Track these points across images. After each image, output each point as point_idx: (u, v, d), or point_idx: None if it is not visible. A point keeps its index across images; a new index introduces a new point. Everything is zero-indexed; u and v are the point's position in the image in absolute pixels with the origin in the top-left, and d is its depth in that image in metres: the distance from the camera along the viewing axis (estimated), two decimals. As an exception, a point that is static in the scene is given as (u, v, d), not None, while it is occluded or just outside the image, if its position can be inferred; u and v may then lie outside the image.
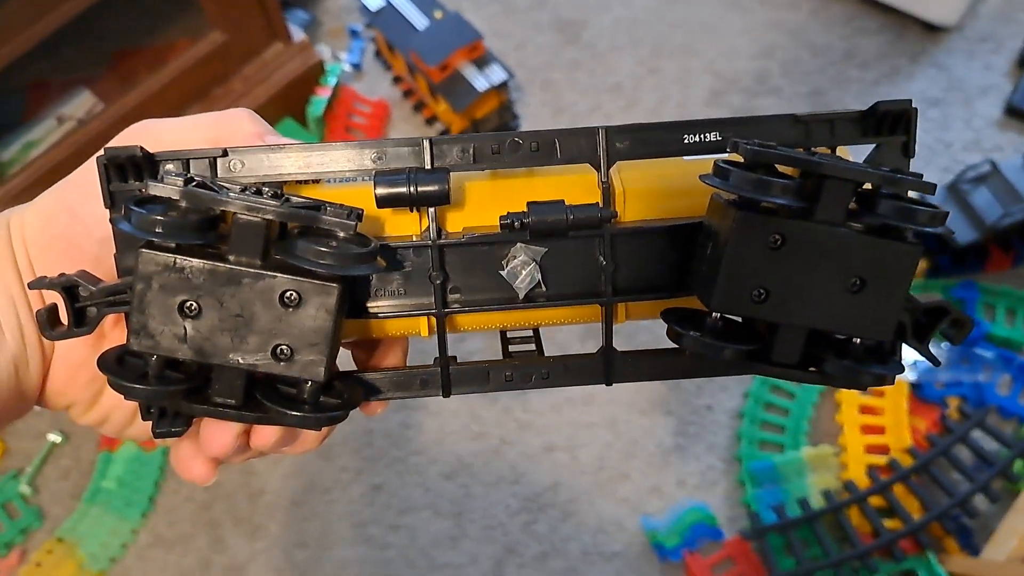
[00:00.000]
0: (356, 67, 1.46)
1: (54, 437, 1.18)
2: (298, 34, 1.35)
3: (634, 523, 1.11)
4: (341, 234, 0.32)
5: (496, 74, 1.26)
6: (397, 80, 1.43)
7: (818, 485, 1.09)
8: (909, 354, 1.17)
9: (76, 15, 1.13)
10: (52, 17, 1.11)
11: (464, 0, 1.55)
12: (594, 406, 1.18)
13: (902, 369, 0.36)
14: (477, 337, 1.18)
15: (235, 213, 0.31)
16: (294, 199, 0.33)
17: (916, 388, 1.13)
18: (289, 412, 0.33)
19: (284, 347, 0.33)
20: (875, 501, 1.06)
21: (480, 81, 1.25)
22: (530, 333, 0.41)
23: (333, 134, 1.36)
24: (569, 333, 1.20)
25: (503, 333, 0.42)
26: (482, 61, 1.27)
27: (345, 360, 0.41)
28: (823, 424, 1.15)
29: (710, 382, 1.19)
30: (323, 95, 1.35)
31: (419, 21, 1.30)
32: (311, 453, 1.16)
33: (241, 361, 0.33)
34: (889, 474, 1.07)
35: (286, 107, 1.34)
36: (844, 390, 1.13)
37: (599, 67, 1.47)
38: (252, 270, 0.32)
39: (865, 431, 1.11)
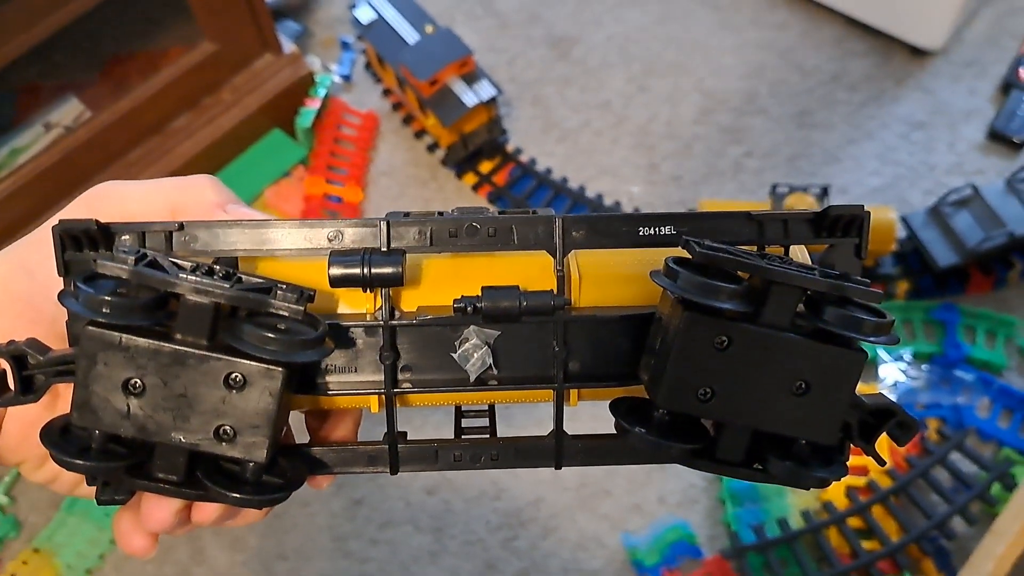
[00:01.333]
0: (346, 79, 1.46)
1: (35, 444, 1.18)
2: (288, 45, 1.36)
3: (614, 540, 1.11)
4: (290, 317, 0.33)
5: (485, 90, 1.27)
6: (387, 93, 1.44)
7: (798, 505, 1.09)
8: (890, 374, 1.19)
9: (70, 21, 1.13)
10: (47, 23, 1.12)
11: (458, 14, 1.56)
12: (578, 422, 1.18)
13: (845, 471, 0.36)
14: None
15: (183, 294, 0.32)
16: (246, 279, 0.33)
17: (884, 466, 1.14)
18: (230, 493, 0.33)
19: (227, 428, 0.33)
20: (854, 522, 1.06)
21: (469, 96, 1.26)
22: (485, 407, 0.42)
23: (322, 145, 1.36)
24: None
25: (457, 408, 0.42)
26: (472, 77, 1.27)
27: (298, 422, 0.41)
28: (804, 444, 1.15)
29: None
30: (312, 106, 1.35)
31: (410, 35, 1.30)
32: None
33: (183, 440, 0.33)
34: (868, 495, 1.08)
35: (275, 118, 1.34)
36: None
37: (590, 83, 1.48)
38: (197, 351, 0.32)
39: (845, 452, 1.12)
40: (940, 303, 1.21)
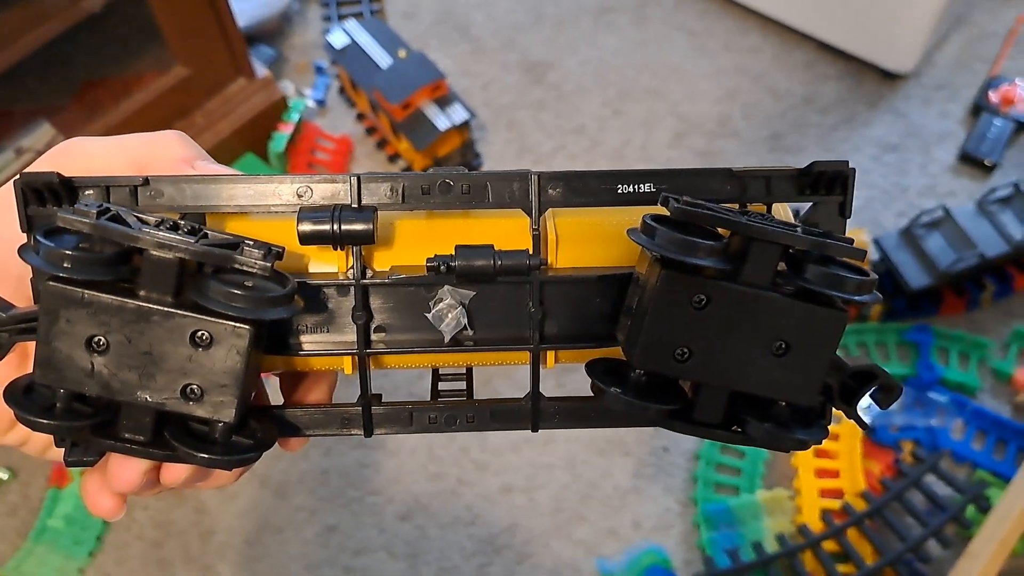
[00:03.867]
0: (320, 103, 1.46)
1: (1, 474, 1.16)
2: (262, 70, 1.36)
3: (590, 566, 1.10)
4: (258, 274, 0.32)
5: (458, 113, 1.27)
6: (360, 117, 1.44)
7: (773, 529, 1.09)
8: (865, 396, 1.18)
9: (42, 45, 1.13)
10: (17, 47, 1.11)
11: (432, 39, 1.56)
12: (553, 445, 1.18)
13: (825, 433, 0.35)
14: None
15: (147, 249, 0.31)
16: (212, 235, 0.32)
17: (870, 432, 1.14)
18: (198, 454, 0.32)
19: (194, 387, 0.32)
20: (829, 546, 1.06)
21: (442, 120, 1.26)
22: (463, 370, 0.41)
23: (295, 170, 1.36)
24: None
25: (435, 371, 0.41)
26: (444, 100, 1.27)
27: (274, 386, 0.41)
28: (779, 467, 1.15)
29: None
30: (285, 131, 1.35)
31: (383, 60, 1.31)
32: (264, 490, 1.15)
33: (149, 399, 0.32)
34: (843, 518, 1.07)
35: (248, 142, 1.34)
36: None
37: (565, 108, 1.48)
38: (162, 308, 0.31)
39: (820, 475, 1.11)
40: (913, 325, 1.21)
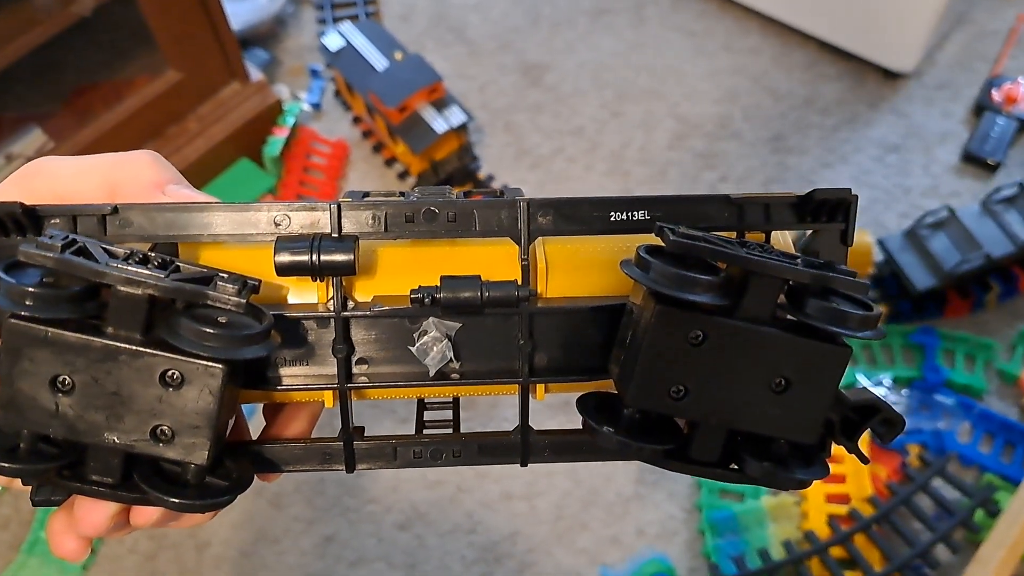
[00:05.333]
0: (316, 107, 1.44)
1: (-8, 485, 1.14)
2: (256, 74, 1.34)
3: (592, 574, 1.08)
4: (231, 310, 0.30)
5: (455, 116, 1.25)
6: (356, 121, 1.42)
7: (778, 535, 1.07)
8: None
9: (32, 50, 1.11)
10: (7, 52, 1.10)
11: (429, 41, 1.55)
12: (547, 412, 1.16)
13: (826, 470, 0.34)
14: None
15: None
16: (184, 267, 0.31)
17: (866, 461, 1.12)
18: (169, 498, 0.31)
19: (165, 428, 0.30)
20: (836, 552, 1.04)
21: (439, 123, 1.24)
22: (449, 400, 0.39)
23: (291, 174, 1.34)
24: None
25: (420, 400, 0.39)
26: (441, 103, 1.26)
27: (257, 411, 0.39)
28: (784, 472, 1.13)
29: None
30: (280, 135, 1.33)
31: (379, 62, 1.29)
32: (260, 500, 1.13)
33: (117, 441, 0.30)
34: (850, 524, 1.06)
35: (243, 147, 1.32)
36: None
37: (563, 110, 1.47)
38: (131, 347, 0.29)
39: (826, 480, 1.10)
40: (918, 327, 1.20)
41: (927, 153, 1.39)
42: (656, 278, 0.30)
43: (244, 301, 0.30)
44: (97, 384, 0.30)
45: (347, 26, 1.36)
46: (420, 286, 0.33)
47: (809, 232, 0.36)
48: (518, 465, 0.37)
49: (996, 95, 1.40)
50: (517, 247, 0.34)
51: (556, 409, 0.36)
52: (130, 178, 0.36)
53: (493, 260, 0.35)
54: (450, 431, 0.38)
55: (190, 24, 1.19)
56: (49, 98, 1.30)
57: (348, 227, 0.34)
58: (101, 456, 0.31)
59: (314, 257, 0.32)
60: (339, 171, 1.37)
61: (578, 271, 0.36)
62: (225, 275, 0.30)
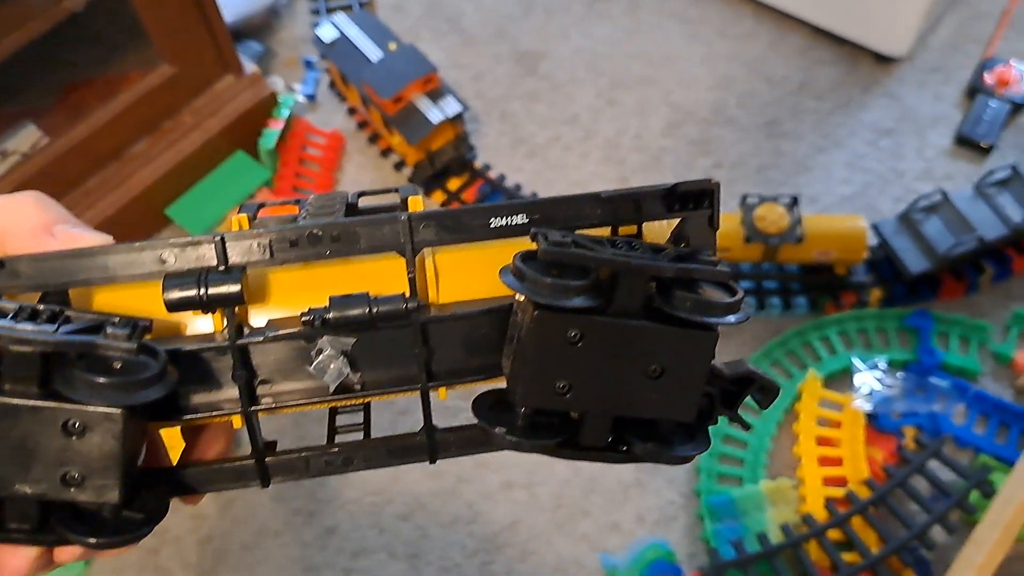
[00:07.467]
0: (310, 98, 1.44)
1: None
2: (250, 66, 1.34)
3: (593, 561, 1.09)
4: (124, 357, 0.31)
5: (451, 106, 1.25)
6: (352, 112, 1.42)
7: (777, 519, 1.08)
8: (865, 382, 1.18)
9: (24, 46, 1.11)
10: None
11: (423, 30, 1.55)
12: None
13: (708, 443, 0.36)
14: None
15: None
16: (76, 316, 0.32)
17: (872, 418, 1.13)
18: (87, 539, 0.32)
19: (74, 474, 0.31)
20: (833, 535, 1.05)
21: (434, 113, 1.24)
22: (360, 405, 0.41)
23: (286, 166, 1.34)
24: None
25: (332, 410, 0.41)
26: (437, 93, 1.26)
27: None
28: (782, 456, 1.14)
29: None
30: (275, 127, 1.33)
31: (373, 53, 1.29)
32: (262, 495, 1.14)
33: (28, 491, 0.31)
34: (847, 507, 1.06)
35: (238, 140, 1.32)
36: (803, 420, 1.13)
37: (558, 98, 1.47)
38: (28, 402, 0.30)
39: (823, 463, 1.11)
40: (913, 310, 1.21)
41: (920, 137, 1.39)
42: (530, 288, 0.32)
43: (135, 346, 0.30)
44: (2, 439, 0.30)
45: (341, 17, 1.36)
46: (310, 308, 0.34)
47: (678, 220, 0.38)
48: (427, 463, 0.39)
49: (988, 78, 1.40)
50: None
51: (468, 396, 0.37)
52: (15, 222, 0.35)
53: (384, 275, 0.36)
54: (360, 437, 0.39)
55: (182, 17, 1.19)
56: (42, 94, 1.30)
57: (235, 257, 0.34)
58: (16, 505, 0.32)
59: (201, 291, 0.33)
60: (335, 163, 1.37)
61: (469, 275, 0.37)
62: (116, 320, 0.31)
